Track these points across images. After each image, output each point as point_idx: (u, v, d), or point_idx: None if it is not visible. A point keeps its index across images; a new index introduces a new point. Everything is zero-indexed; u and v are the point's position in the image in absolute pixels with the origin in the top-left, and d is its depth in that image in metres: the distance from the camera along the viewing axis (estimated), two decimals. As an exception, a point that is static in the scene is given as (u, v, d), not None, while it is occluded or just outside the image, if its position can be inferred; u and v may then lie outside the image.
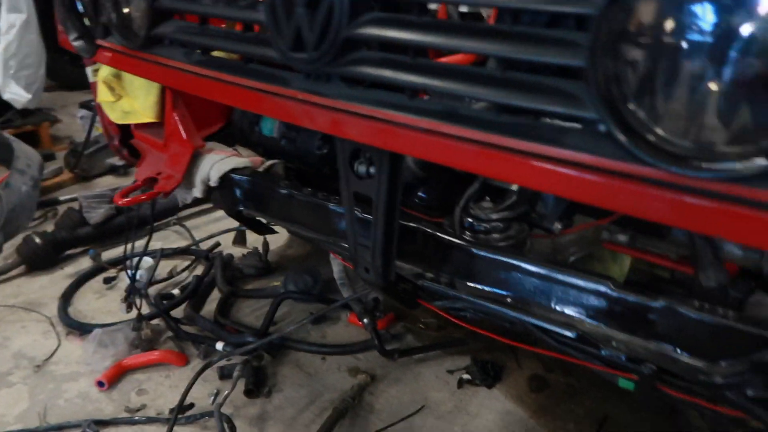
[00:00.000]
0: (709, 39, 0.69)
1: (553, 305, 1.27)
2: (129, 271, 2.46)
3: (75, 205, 3.16)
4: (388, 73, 1.00)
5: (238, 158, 1.83)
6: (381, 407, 1.95)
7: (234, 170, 1.78)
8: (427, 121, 0.96)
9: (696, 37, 0.70)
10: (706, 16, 0.69)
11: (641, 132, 0.75)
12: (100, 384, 2.05)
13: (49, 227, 3.04)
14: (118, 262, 2.77)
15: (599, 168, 0.80)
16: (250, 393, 1.99)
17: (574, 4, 0.75)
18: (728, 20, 0.67)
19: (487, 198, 1.48)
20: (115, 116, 2.01)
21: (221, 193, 1.82)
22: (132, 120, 1.97)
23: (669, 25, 0.70)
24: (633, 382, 1.27)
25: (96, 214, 3.08)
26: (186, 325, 2.34)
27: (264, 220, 1.91)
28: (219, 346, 2.15)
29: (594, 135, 0.79)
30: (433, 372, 2.10)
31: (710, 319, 1.07)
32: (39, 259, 2.77)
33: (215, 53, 1.40)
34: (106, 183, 3.76)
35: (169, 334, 2.31)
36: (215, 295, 2.54)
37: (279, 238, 2.85)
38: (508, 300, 1.32)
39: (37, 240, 2.75)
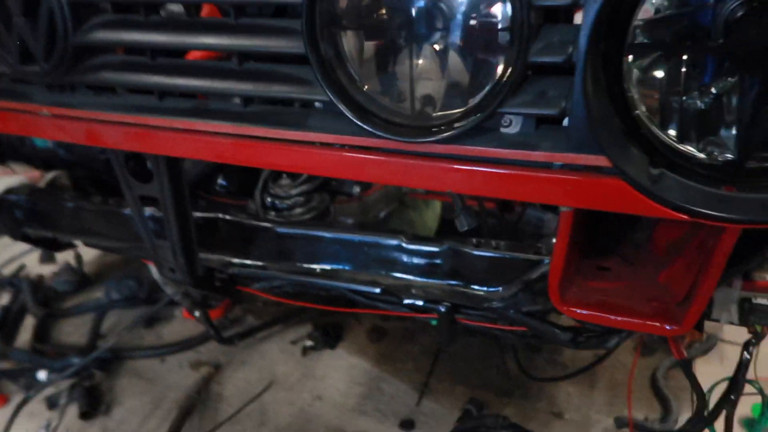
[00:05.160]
0: (409, 13, 0.75)
1: (357, 267, 1.34)
2: None
3: None
4: (131, 77, 0.96)
5: (11, 177, 1.65)
6: (230, 393, 1.95)
7: (9, 191, 1.61)
8: (181, 121, 0.94)
9: (397, 15, 0.75)
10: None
11: (370, 109, 0.80)
12: None
13: None
14: None
15: (342, 144, 0.84)
16: (85, 415, 1.88)
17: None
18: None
19: (284, 175, 1.49)
20: None
21: (-1, 218, 1.64)
22: None
23: (369, 7, 0.75)
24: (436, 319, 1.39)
25: None
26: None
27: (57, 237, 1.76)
28: (41, 375, 1.99)
29: (333, 115, 0.83)
30: (277, 346, 2.13)
31: (486, 253, 1.20)
32: None
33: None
34: None
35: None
36: (30, 323, 2.32)
37: (94, 245, 2.65)
38: (318, 270, 1.37)
39: None
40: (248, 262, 1.41)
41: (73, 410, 1.88)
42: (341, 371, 2.01)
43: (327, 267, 1.36)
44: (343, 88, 0.80)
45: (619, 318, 0.94)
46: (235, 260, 1.41)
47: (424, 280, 1.27)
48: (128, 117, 0.99)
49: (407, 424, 1.77)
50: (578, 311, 0.97)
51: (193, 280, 1.37)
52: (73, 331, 2.30)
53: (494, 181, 0.78)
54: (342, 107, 0.79)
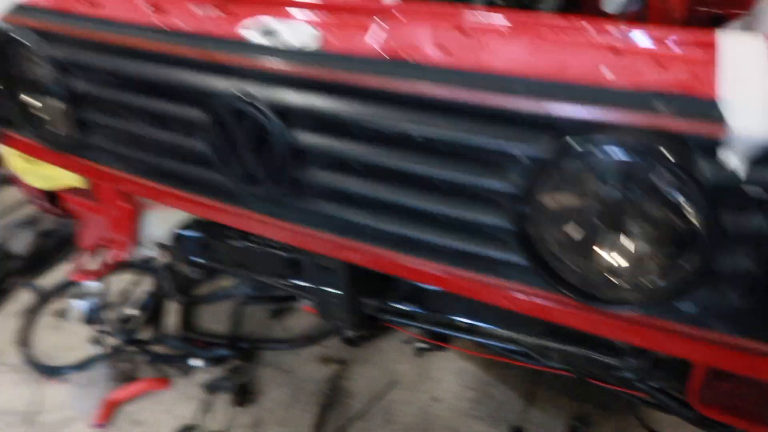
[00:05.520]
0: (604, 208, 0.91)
1: (496, 325, 1.54)
2: (81, 301, 2.53)
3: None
4: (344, 212, 1.14)
5: (179, 212, 1.90)
6: (357, 390, 2.24)
7: (186, 227, 1.86)
8: (382, 249, 1.14)
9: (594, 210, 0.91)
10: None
11: (561, 275, 0.97)
12: (97, 425, 2.20)
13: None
14: (62, 290, 2.79)
15: (528, 294, 1.03)
16: (240, 403, 2.22)
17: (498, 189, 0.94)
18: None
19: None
20: (38, 183, 1.98)
21: (173, 249, 1.91)
22: (57, 185, 1.96)
23: (568, 206, 0.91)
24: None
25: (20, 242, 3.05)
26: (153, 345, 2.47)
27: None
28: (194, 362, 2.34)
29: (523, 269, 1.01)
30: (392, 346, 2.40)
31: (619, 329, 1.38)
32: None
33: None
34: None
35: (143, 358, 2.44)
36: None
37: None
38: (460, 323, 1.58)
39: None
40: (399, 309, 1.63)
41: (227, 396, 2.22)
42: (452, 374, 2.27)
43: (469, 322, 1.57)
44: (539, 255, 0.97)
45: (752, 425, 1.12)
46: (389, 307, 1.63)
47: (560, 345, 1.47)
48: (333, 236, 1.19)
49: (517, 431, 2.03)
50: (716, 413, 1.15)
51: (355, 328, 1.60)
52: (208, 318, 2.63)
53: (660, 341, 0.96)
54: (541, 274, 0.97)
